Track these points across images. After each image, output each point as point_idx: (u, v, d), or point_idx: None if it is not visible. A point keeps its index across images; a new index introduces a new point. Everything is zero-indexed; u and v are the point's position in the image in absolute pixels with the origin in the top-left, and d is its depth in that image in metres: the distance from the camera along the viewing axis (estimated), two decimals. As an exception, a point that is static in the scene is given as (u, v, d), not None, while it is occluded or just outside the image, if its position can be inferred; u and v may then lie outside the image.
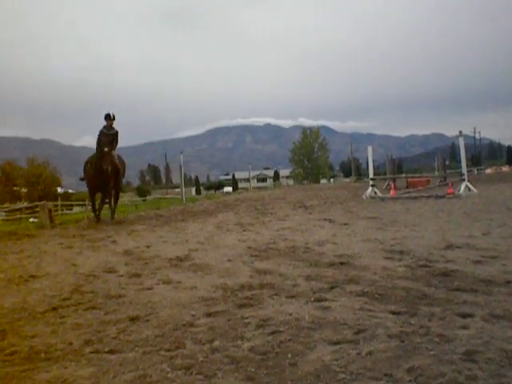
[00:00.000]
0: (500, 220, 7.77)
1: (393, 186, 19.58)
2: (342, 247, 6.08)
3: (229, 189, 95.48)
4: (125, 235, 8.86)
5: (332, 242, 6.59)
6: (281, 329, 3.04)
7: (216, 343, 2.86)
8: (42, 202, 13.86)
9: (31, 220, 19.82)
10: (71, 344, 3.01)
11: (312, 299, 3.70)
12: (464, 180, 15.14)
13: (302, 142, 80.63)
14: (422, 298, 3.55)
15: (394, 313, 3.23)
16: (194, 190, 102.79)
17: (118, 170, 11.81)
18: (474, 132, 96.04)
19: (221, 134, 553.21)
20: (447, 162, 49.72)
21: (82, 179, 12.28)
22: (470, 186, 15.03)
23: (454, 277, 4.15)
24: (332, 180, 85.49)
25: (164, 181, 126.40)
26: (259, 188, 62.25)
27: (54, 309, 3.88)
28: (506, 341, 2.63)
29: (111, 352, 2.84)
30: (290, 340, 2.84)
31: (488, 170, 63.54)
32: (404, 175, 33.46)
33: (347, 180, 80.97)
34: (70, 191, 60.05)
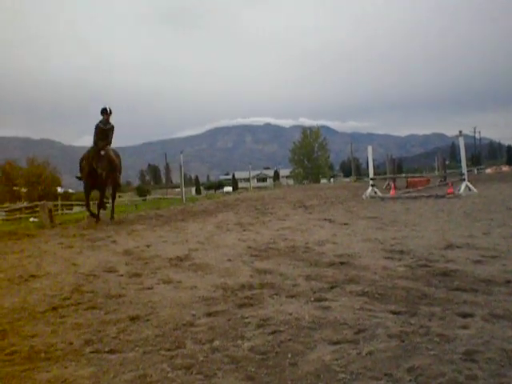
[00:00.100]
0: (500, 220, 7.77)
1: (393, 185, 19.57)
2: (342, 247, 6.08)
3: (229, 189, 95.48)
4: (125, 235, 8.86)
5: (332, 241, 6.59)
6: (281, 328, 3.04)
7: (216, 343, 2.86)
8: (42, 202, 13.85)
9: (31, 220, 19.82)
10: (71, 344, 3.01)
11: (312, 299, 3.70)
12: (464, 180, 15.12)
13: (302, 141, 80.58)
14: (422, 298, 3.55)
15: (394, 312, 3.23)
16: (194, 189, 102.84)
17: (115, 167, 11.68)
18: (474, 132, 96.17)
19: (221, 134, 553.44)
20: (447, 162, 49.76)
21: (78, 178, 12.10)
22: (470, 185, 15.02)
23: (454, 276, 4.16)
24: (332, 180, 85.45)
25: (164, 181, 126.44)
26: (259, 188, 62.21)
27: (54, 308, 3.88)
28: (506, 340, 2.63)
29: (111, 352, 2.84)
30: (290, 340, 2.84)
31: (488, 170, 63.52)
32: (404, 175, 33.46)
33: (347, 180, 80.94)
34: (70, 191, 60.04)
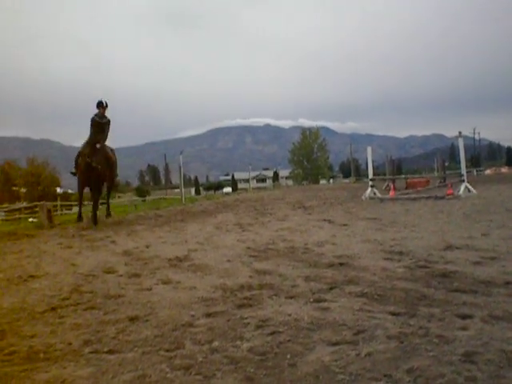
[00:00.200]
0: (499, 221, 7.76)
1: (392, 186, 19.56)
2: (342, 248, 6.08)
3: (228, 189, 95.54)
4: (124, 235, 8.86)
5: (331, 242, 6.59)
6: (280, 329, 3.04)
7: (215, 343, 2.86)
8: (42, 202, 13.85)
9: (30, 220, 19.83)
10: (70, 344, 3.01)
11: (311, 300, 3.70)
12: (463, 181, 15.13)
13: (302, 142, 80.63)
14: (421, 299, 3.55)
15: (393, 314, 3.23)
16: (193, 190, 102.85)
17: (112, 164, 11.49)
18: (474, 133, 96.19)
19: (221, 135, 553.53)
20: (447, 163, 49.72)
21: (72, 173, 11.73)
22: (470, 186, 15.03)
23: (454, 278, 4.16)
24: (331, 181, 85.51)
25: (163, 181, 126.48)
26: (259, 188, 62.23)
27: (53, 309, 3.88)
28: (505, 342, 2.63)
29: (110, 352, 2.84)
30: (289, 341, 2.84)
31: (487, 171, 63.60)
32: (403, 176, 33.44)
33: (347, 181, 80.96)
34: (70, 191, 59.93)
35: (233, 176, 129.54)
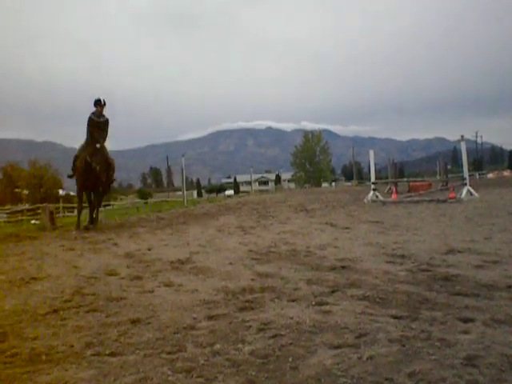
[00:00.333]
0: (502, 225, 7.75)
1: (394, 189, 19.56)
2: (344, 251, 6.07)
3: (230, 192, 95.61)
4: (126, 238, 8.86)
5: (333, 245, 6.59)
6: (282, 332, 3.04)
7: (217, 346, 2.86)
8: (44, 204, 13.89)
9: (33, 222, 19.86)
10: (72, 346, 3.01)
11: (313, 303, 3.70)
12: (466, 184, 15.11)
13: (304, 145, 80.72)
14: (423, 303, 3.54)
15: (395, 317, 3.23)
16: (195, 192, 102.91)
17: (111, 167, 11.06)
18: (476, 136, 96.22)
19: (223, 137, 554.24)
20: (449, 167, 49.76)
21: (69, 176, 11.36)
22: (472, 190, 15.01)
23: (456, 281, 4.15)
24: (334, 184, 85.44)
25: (166, 184, 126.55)
26: (261, 191, 62.18)
27: (55, 311, 3.88)
28: (507, 346, 2.62)
29: (112, 354, 2.83)
30: (291, 344, 2.84)
31: (490, 175, 63.47)
32: (406, 179, 33.45)
33: (349, 184, 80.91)
34: (72, 193, 60.09)
35: (235, 179, 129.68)
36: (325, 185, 76.78)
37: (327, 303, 3.67)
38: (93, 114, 10.70)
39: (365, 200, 16.20)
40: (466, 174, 15.69)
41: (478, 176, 50.34)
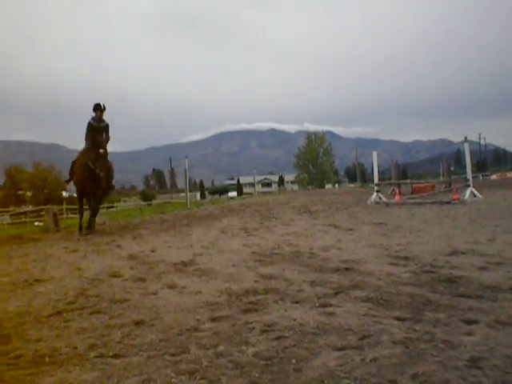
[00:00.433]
0: (505, 226, 7.73)
1: (398, 191, 19.54)
2: (347, 253, 6.06)
3: (233, 193, 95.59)
4: (130, 239, 8.88)
5: (337, 247, 6.58)
6: (285, 334, 3.04)
7: (220, 348, 2.86)
8: (47, 206, 13.92)
9: (36, 224, 19.91)
10: (76, 348, 3.02)
11: (317, 305, 3.69)
12: (469, 186, 15.08)
13: (307, 147, 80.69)
14: (426, 304, 3.54)
15: (398, 319, 3.22)
16: (198, 194, 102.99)
17: (110, 174, 10.93)
18: (480, 138, 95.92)
19: (226, 139, 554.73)
20: (452, 168, 49.60)
21: (67, 181, 11.26)
22: (475, 191, 14.98)
23: (459, 283, 4.14)
24: (337, 185, 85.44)
25: (169, 185, 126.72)
26: (264, 193, 62.25)
27: (59, 313, 3.89)
28: (511, 347, 2.61)
29: (116, 356, 2.84)
30: (294, 345, 2.84)
31: (493, 176, 63.26)
32: (409, 181, 33.40)
33: (352, 185, 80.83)
34: (75, 195, 60.29)
35: (238, 180, 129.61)
36: (328, 186, 76.80)
37: (331, 305, 3.66)
38: (92, 119, 10.57)
39: (368, 201, 16.18)
40: (469, 175, 15.65)
41: (481, 177, 50.23)
